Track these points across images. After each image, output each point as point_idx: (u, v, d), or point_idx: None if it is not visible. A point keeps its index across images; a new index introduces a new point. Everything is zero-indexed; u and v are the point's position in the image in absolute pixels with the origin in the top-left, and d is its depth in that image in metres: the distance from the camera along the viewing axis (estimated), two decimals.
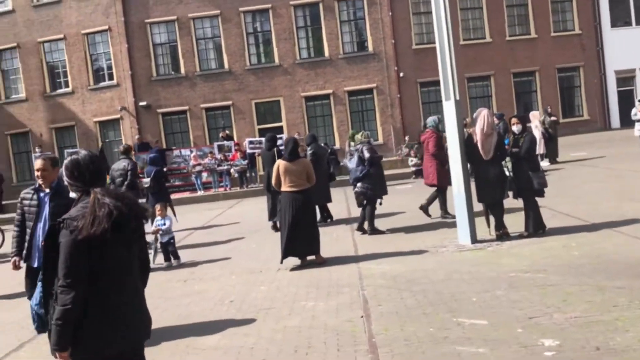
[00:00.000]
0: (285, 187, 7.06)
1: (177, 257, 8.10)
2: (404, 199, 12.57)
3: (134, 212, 2.58)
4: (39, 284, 3.89)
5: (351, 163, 9.00)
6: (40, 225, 4.69)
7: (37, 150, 21.50)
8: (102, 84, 23.47)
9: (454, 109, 7.17)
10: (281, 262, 7.00)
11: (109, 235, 2.43)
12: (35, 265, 4.64)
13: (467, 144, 7.26)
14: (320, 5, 22.62)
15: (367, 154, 8.75)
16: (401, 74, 22.62)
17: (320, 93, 22.85)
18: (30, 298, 4.10)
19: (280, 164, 7.14)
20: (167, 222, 8.11)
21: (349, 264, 6.88)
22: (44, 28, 23.53)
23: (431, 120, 9.70)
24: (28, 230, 4.81)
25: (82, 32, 23.25)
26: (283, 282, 6.41)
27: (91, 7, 23.14)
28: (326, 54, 22.76)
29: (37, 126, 23.91)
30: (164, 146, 21.38)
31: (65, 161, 2.68)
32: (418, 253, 7.08)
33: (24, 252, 4.82)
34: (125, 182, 9.29)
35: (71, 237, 2.42)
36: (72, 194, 2.73)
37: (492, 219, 7.35)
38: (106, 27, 23.06)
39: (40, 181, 4.70)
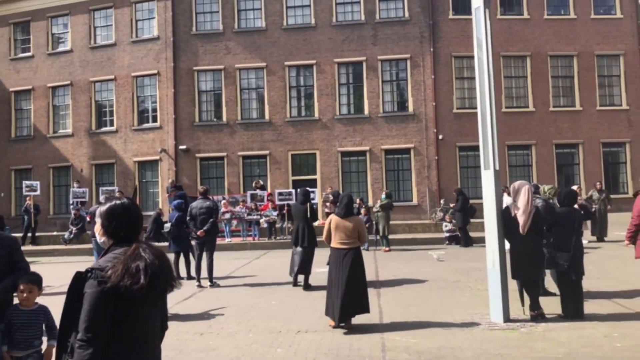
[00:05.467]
0: (334, 243, 6.93)
1: None
2: (433, 265, 12.18)
3: (166, 273, 2.44)
4: None
5: None
6: None
7: (74, 185, 22.00)
8: (145, 125, 24.10)
9: (492, 178, 6.92)
10: (336, 325, 6.71)
11: (145, 292, 2.30)
12: None
13: (505, 217, 6.95)
14: (364, 64, 22.96)
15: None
16: (440, 137, 22.48)
17: (357, 149, 22.85)
18: None
19: (332, 219, 7.05)
20: None
21: (372, 333, 6.53)
22: (97, 68, 24.56)
23: None
24: None
25: (132, 75, 24.14)
26: (301, 346, 6.11)
27: (143, 52, 24.10)
28: (366, 111, 22.90)
29: (78, 161, 24.58)
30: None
31: (104, 206, 2.57)
32: (446, 327, 6.69)
33: None
34: (211, 220, 10.16)
35: (98, 288, 2.29)
36: (99, 240, 2.61)
37: (527, 297, 6.95)
38: (155, 71, 23.89)
39: None
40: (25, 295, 3.97)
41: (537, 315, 6.77)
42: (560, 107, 23.15)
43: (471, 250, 14.98)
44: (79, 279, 2.38)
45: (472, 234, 16.06)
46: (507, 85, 22.98)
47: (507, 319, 6.72)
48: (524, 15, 23.25)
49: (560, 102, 23.31)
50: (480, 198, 7.94)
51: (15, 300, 4.08)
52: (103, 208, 2.58)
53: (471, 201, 16.89)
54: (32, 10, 25.50)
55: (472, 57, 22.06)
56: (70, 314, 2.38)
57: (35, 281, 4.05)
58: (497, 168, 7.00)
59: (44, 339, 4.08)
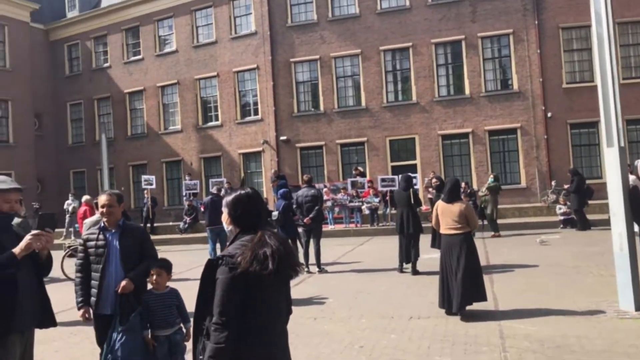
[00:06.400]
0: (442, 229, 6.89)
1: None
2: (548, 250, 11.56)
3: (290, 259, 2.54)
4: (114, 335, 3.98)
5: None
6: (112, 267, 4.18)
7: (186, 177, 23.34)
8: (248, 118, 24.96)
9: (617, 156, 6.40)
10: (448, 312, 6.61)
11: (273, 277, 2.40)
12: (109, 312, 4.15)
13: (632, 197, 6.41)
14: (463, 43, 22.12)
15: None
16: (549, 114, 21.17)
17: (459, 132, 22.13)
18: (103, 354, 4.05)
19: (438, 204, 7.04)
20: None
21: (488, 321, 6.32)
22: (201, 66, 25.77)
23: None
24: (94, 275, 4.24)
25: (233, 70, 25.06)
26: (415, 332, 6.05)
27: (243, 47, 24.92)
28: (467, 91, 22.08)
29: (188, 155, 26.02)
30: (299, 179, 22.00)
31: (230, 196, 2.68)
32: (568, 314, 6.32)
33: (93, 299, 4.21)
34: (316, 208, 10.43)
35: (229, 274, 2.40)
36: (227, 229, 2.73)
37: None
38: (255, 65, 24.62)
39: (105, 219, 4.27)
40: (154, 278, 4.25)
41: None
42: None
43: (589, 233, 14.04)
44: (211, 266, 2.49)
45: (590, 217, 15.06)
46: (624, 55, 21.04)
47: (639, 307, 6.22)
48: None
49: None
50: (596, 178, 7.40)
51: (149, 286, 4.40)
52: (229, 198, 2.68)
53: (587, 181, 15.79)
54: (140, 16, 27.23)
55: (581, 28, 20.64)
56: (204, 298, 2.49)
57: (164, 266, 4.33)
58: (622, 144, 6.47)
59: None
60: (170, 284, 4.43)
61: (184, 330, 4.28)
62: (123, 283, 4.11)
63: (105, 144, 16.92)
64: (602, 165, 19.15)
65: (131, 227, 4.44)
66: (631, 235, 6.32)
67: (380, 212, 18.32)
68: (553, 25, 21.40)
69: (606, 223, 8.76)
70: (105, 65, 28.42)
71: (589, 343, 5.25)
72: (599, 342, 5.25)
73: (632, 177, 7.73)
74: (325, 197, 18.37)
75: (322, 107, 23.70)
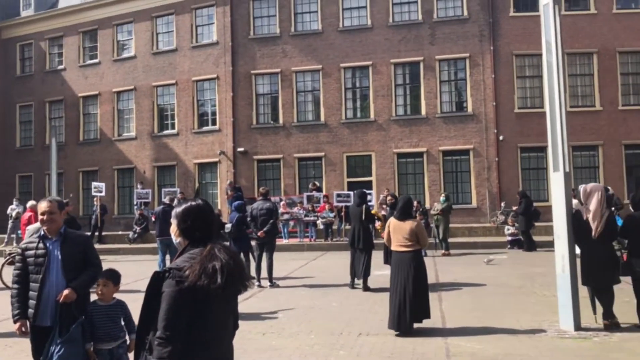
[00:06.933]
0: (394, 246, 6.96)
1: None
2: (495, 270, 11.85)
3: (240, 273, 2.49)
4: (52, 347, 3.84)
5: None
6: (53, 277, 4.02)
7: (138, 186, 22.83)
8: (205, 128, 24.68)
9: (562, 181, 6.65)
10: (395, 330, 6.59)
11: (221, 291, 2.35)
12: (48, 324, 3.97)
13: (575, 221, 6.66)
14: (421, 65, 22.64)
15: None
16: (501, 137, 21.87)
17: (414, 151, 22.55)
18: None
19: (390, 222, 7.10)
20: None
21: (435, 338, 6.41)
22: (159, 73, 25.37)
23: None
24: (33, 285, 4.05)
25: (193, 79, 24.79)
26: (364, 349, 6.07)
27: (203, 57, 24.72)
28: (423, 112, 22.56)
29: (141, 163, 25.47)
30: (255, 192, 21.87)
31: (180, 208, 2.61)
32: (512, 333, 6.48)
33: (31, 311, 4.02)
34: (271, 221, 10.34)
35: (176, 288, 2.34)
36: (175, 241, 2.67)
37: (599, 305, 6.63)
38: (215, 75, 24.45)
39: (45, 227, 4.11)
40: (100, 288, 4.11)
41: (612, 325, 6.44)
42: (630, 106, 21.99)
43: (535, 254, 14.48)
44: (157, 279, 2.43)
45: (536, 238, 15.56)
46: (572, 84, 22.00)
47: (577, 327, 6.44)
48: (591, 10, 22.22)
49: (630, 100, 22.16)
50: (544, 200, 7.73)
51: (94, 297, 4.25)
52: (179, 209, 2.61)
53: (534, 204, 16.33)
54: (99, 19, 26.64)
55: (534, 56, 21.44)
56: (148, 312, 2.43)
57: (111, 277, 4.20)
58: (568, 170, 6.74)
59: None
60: (118, 296, 4.30)
61: (128, 341, 4.15)
62: (65, 292, 3.95)
63: (55, 148, 16.26)
64: (549, 188, 19.88)
65: (73, 235, 4.29)
66: (572, 257, 6.56)
67: (334, 227, 18.38)
68: (507, 52, 22.20)
69: (551, 245, 9.10)
70: (60, 67, 27.61)
71: None
72: None
73: (575, 202, 8.05)
74: (282, 211, 18.35)
75: (281, 121, 23.71)
